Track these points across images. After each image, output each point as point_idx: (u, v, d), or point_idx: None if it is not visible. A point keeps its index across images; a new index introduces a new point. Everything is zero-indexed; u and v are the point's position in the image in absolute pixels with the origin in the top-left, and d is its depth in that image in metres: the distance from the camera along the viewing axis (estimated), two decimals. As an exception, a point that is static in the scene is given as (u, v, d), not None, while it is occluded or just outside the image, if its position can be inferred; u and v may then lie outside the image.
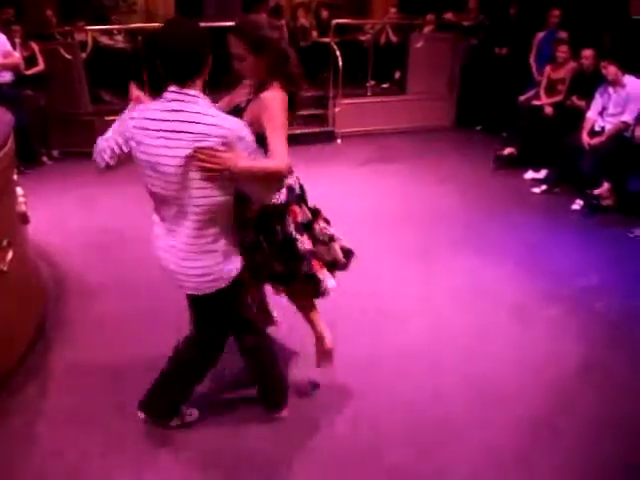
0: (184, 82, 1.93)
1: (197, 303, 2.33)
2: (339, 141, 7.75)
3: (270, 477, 2.37)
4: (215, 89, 3.04)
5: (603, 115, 5.50)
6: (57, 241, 4.49)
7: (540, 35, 7.09)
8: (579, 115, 5.76)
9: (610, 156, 5.20)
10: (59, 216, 5.05)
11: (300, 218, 2.51)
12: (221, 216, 2.07)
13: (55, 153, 6.87)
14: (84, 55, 7.14)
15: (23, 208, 3.38)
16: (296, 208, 2.49)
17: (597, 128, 5.51)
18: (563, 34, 6.68)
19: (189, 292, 2.23)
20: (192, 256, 2.09)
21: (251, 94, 2.32)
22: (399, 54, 8.30)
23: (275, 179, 2.11)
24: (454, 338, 3.29)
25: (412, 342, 3.24)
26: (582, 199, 5.31)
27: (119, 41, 8.12)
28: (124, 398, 2.78)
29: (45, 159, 6.72)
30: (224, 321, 2.40)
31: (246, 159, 1.97)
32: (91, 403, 2.76)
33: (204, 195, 1.97)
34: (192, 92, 1.94)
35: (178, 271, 2.14)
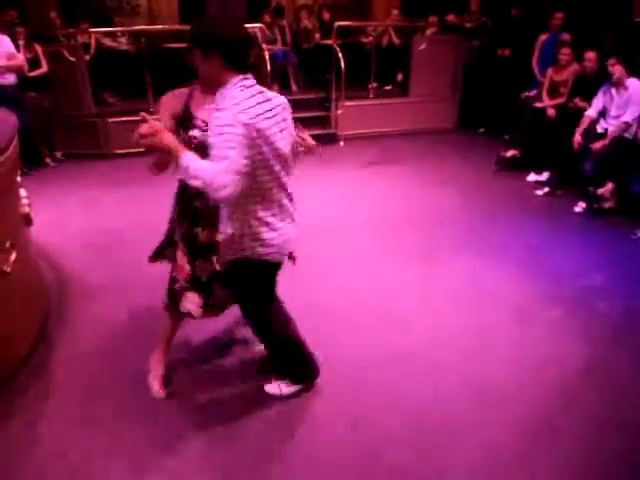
0: (246, 70, 2.10)
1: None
2: (341, 143, 7.77)
3: (269, 477, 2.38)
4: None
5: (606, 117, 5.51)
6: (60, 242, 4.51)
7: (543, 37, 7.09)
8: (582, 117, 5.76)
9: (613, 158, 5.20)
10: (62, 217, 5.08)
11: None
12: None
13: (58, 155, 6.91)
14: (87, 57, 7.18)
15: (26, 209, 3.39)
16: None
17: (600, 130, 5.51)
18: (566, 36, 6.68)
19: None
20: None
21: None
22: (401, 56, 8.32)
23: None
24: (455, 339, 3.30)
25: (413, 343, 3.25)
26: (585, 201, 5.31)
27: (122, 43, 8.16)
28: (126, 399, 2.80)
29: (48, 161, 6.76)
30: None
31: None
32: (93, 403, 2.77)
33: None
34: (249, 76, 2.12)
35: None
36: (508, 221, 5.10)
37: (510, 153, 6.47)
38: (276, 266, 2.44)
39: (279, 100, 2.20)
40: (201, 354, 3.15)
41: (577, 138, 5.46)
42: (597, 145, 5.35)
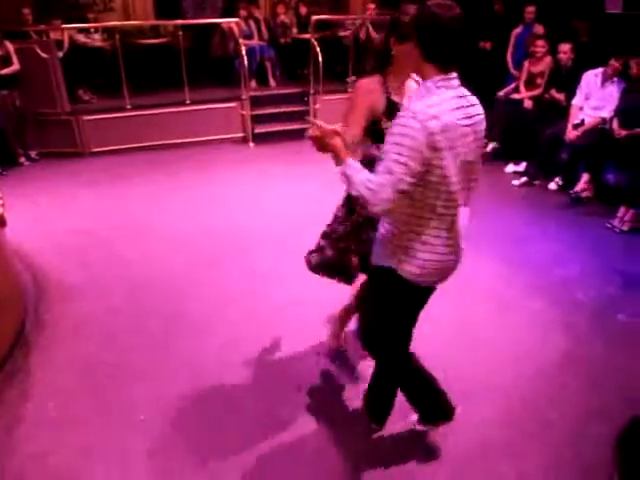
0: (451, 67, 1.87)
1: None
2: (321, 137, 7.71)
3: (268, 475, 2.37)
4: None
5: (583, 106, 5.56)
6: (35, 243, 4.44)
7: (516, 31, 7.14)
8: (558, 108, 5.82)
9: (590, 148, 5.27)
10: (37, 217, 4.99)
11: None
12: None
13: (33, 154, 6.77)
14: (61, 54, 7.03)
15: (0, 210, 3.33)
16: None
17: (577, 120, 5.56)
18: (540, 29, 6.74)
19: None
20: None
21: None
22: (379, 50, 8.28)
23: None
24: (436, 331, 3.28)
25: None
26: (560, 177, 5.57)
27: (96, 39, 8.02)
28: (105, 400, 2.77)
29: (23, 160, 6.62)
30: None
31: None
32: (72, 405, 2.73)
33: None
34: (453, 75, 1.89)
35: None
36: (487, 211, 5.11)
37: (491, 146, 6.54)
38: (423, 292, 2.13)
39: (479, 108, 1.95)
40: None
41: (573, 134, 5.43)
42: (571, 136, 5.42)
